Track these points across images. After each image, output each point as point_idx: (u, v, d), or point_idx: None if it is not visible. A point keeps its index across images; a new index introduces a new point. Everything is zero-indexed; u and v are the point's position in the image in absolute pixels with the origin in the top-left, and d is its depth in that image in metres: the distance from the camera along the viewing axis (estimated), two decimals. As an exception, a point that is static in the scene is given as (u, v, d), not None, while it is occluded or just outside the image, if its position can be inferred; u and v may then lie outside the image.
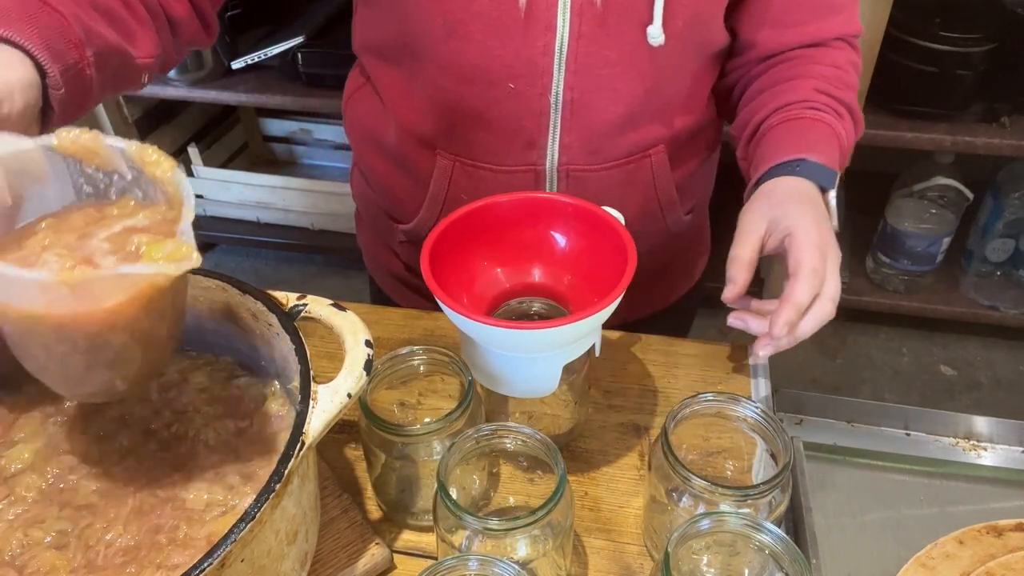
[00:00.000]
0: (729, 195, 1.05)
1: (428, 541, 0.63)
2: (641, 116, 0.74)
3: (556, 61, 0.69)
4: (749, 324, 0.65)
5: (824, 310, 0.62)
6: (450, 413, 0.57)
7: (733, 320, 0.66)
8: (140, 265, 0.44)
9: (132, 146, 0.48)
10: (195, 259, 0.44)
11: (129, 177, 0.49)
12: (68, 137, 0.47)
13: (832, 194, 0.68)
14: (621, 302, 0.95)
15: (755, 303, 0.66)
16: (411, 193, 0.83)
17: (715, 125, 0.86)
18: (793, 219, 0.63)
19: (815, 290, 0.61)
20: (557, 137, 0.74)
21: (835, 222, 0.67)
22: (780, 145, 0.71)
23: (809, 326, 0.62)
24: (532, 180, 0.77)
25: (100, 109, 1.98)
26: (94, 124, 2.01)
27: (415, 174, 0.81)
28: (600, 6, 0.66)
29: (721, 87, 0.82)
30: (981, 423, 0.76)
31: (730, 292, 0.64)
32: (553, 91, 0.71)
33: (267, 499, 0.44)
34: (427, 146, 0.79)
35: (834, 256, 0.63)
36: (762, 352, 0.63)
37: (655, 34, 0.67)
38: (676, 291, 0.98)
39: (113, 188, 0.50)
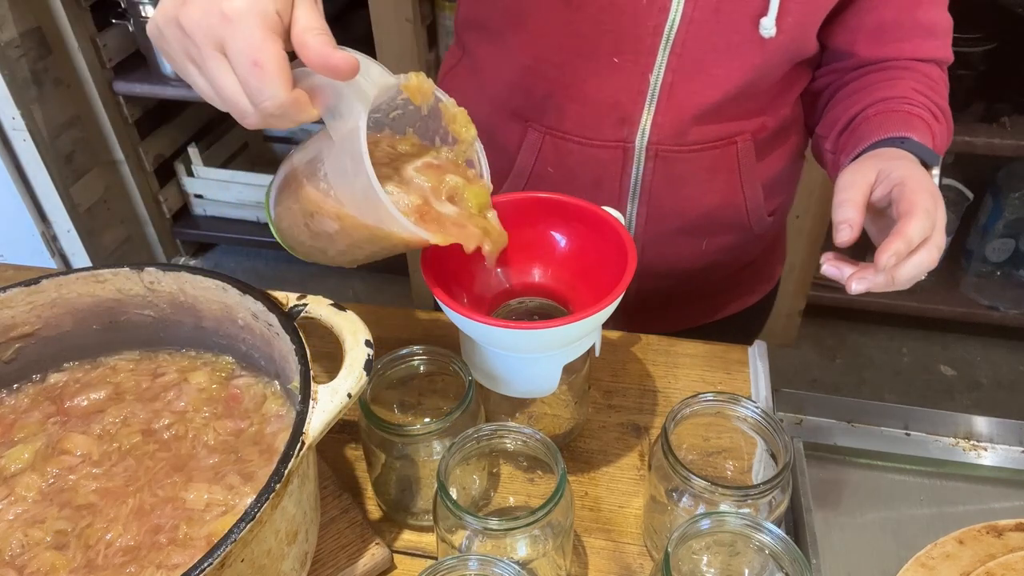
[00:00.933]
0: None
1: (428, 541, 0.63)
2: (734, 105, 0.75)
3: (663, 41, 0.70)
4: (843, 270, 0.60)
5: (929, 257, 0.58)
6: (450, 413, 0.57)
7: (828, 268, 0.61)
8: (486, 248, 0.59)
9: (450, 102, 0.58)
10: (506, 241, 0.61)
11: (424, 113, 0.59)
12: (416, 80, 0.55)
13: (936, 171, 0.67)
14: (690, 305, 0.94)
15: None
16: (497, 167, 0.84)
17: (801, 127, 0.86)
18: (904, 170, 0.62)
19: (926, 232, 0.58)
20: (651, 116, 0.75)
21: None
22: (882, 127, 0.70)
23: (910, 271, 0.58)
24: (620, 156, 0.77)
25: (100, 108, 1.98)
26: (93, 123, 2.01)
27: (503, 148, 0.82)
28: None
29: (809, 91, 0.83)
30: (981, 423, 0.76)
31: (846, 234, 0.59)
32: (655, 70, 0.72)
33: (267, 499, 0.44)
34: (519, 119, 0.80)
35: (943, 210, 0.61)
36: (856, 285, 0.58)
37: (767, 26, 0.68)
38: (750, 296, 0.97)
39: (393, 113, 0.60)
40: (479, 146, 0.61)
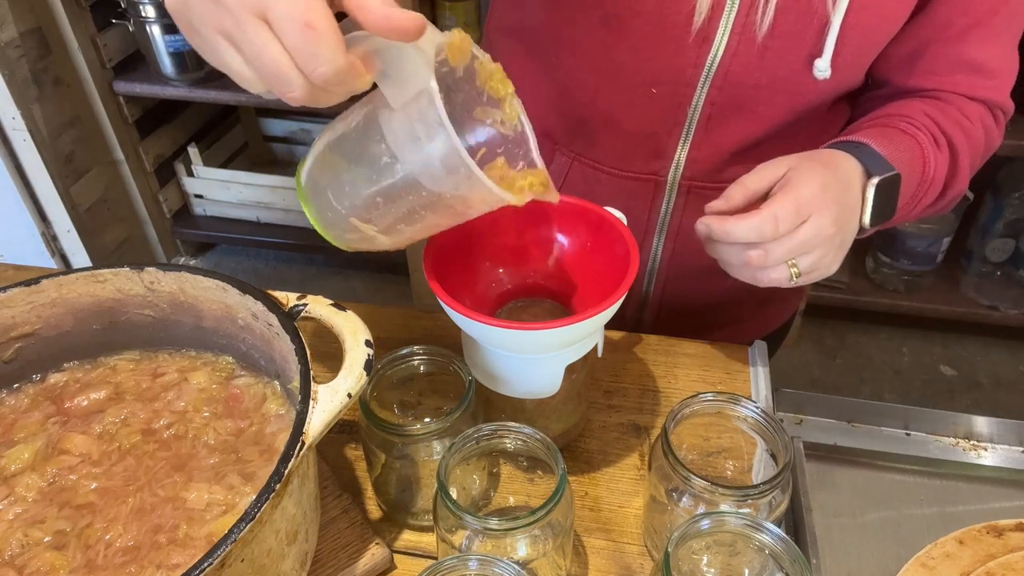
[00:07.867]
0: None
1: (428, 541, 0.63)
2: (774, 142, 0.72)
3: (704, 75, 0.68)
4: (713, 227, 0.61)
5: (754, 257, 0.59)
6: (450, 413, 0.57)
7: (701, 225, 0.62)
8: (548, 196, 0.55)
9: (486, 58, 0.53)
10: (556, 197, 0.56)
11: (459, 75, 0.54)
12: (458, 37, 0.50)
13: (874, 181, 0.63)
14: (707, 334, 0.93)
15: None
16: None
17: None
18: (806, 174, 0.60)
19: (757, 237, 0.58)
20: (686, 150, 0.72)
21: (866, 218, 0.64)
22: (852, 132, 0.68)
23: (729, 231, 0.60)
24: (651, 190, 0.75)
25: (100, 108, 1.98)
26: (93, 123, 2.01)
27: None
28: (763, 30, 0.64)
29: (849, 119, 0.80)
30: (981, 423, 0.76)
31: (715, 205, 0.61)
32: (693, 103, 0.69)
33: (267, 499, 0.44)
34: (548, 139, 0.78)
35: (816, 226, 0.59)
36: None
37: (822, 68, 0.65)
38: (767, 326, 0.96)
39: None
40: (518, 102, 0.55)
